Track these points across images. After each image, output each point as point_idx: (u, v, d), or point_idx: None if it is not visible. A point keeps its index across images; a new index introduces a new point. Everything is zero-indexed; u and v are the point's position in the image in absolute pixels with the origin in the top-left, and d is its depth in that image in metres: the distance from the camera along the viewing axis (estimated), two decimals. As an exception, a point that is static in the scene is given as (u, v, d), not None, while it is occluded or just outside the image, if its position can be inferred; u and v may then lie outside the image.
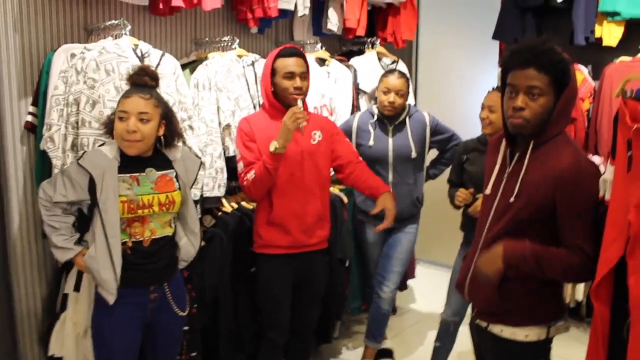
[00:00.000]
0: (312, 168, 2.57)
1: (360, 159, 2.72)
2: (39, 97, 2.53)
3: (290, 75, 2.46)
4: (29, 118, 2.57)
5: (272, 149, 2.36)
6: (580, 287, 3.60)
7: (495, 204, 1.83)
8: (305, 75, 2.49)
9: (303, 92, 2.48)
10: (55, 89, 2.41)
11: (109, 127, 2.11)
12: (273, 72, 2.49)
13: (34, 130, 2.58)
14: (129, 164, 2.07)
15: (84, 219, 2.14)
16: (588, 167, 1.70)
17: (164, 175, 2.13)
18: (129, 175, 2.05)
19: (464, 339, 2.95)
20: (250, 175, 2.45)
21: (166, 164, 2.16)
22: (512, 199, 1.75)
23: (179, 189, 2.15)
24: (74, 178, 2.03)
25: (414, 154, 3.04)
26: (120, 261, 2.02)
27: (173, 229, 2.19)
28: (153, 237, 2.11)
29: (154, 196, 2.08)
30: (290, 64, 2.46)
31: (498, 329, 1.82)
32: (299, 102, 2.39)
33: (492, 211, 1.84)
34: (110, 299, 2.04)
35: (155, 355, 2.26)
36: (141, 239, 2.08)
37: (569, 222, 1.69)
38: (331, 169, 2.70)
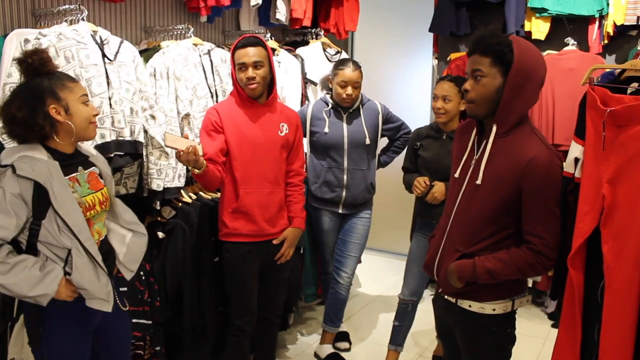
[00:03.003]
0: (278, 159, 2.61)
1: (302, 179, 2.78)
2: (-13, 86, 2.38)
3: (242, 67, 2.48)
4: (-24, 108, 2.41)
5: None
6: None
7: (463, 188, 1.92)
8: (259, 64, 2.49)
9: (257, 81, 2.48)
10: (9, 76, 2.27)
11: (37, 129, 1.79)
12: (234, 64, 2.53)
13: (-19, 121, 2.42)
14: (63, 165, 1.83)
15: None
16: (553, 157, 1.77)
17: (92, 172, 1.96)
18: (68, 177, 1.85)
19: (418, 317, 3.12)
20: None
21: (87, 162, 1.98)
22: (478, 181, 1.84)
23: (105, 185, 2.01)
24: (18, 194, 1.71)
25: (367, 141, 3.13)
26: (103, 262, 1.85)
27: (106, 227, 2.04)
28: (101, 238, 1.96)
29: (93, 196, 1.91)
30: (241, 55, 2.48)
31: (466, 304, 1.91)
32: (174, 143, 2.23)
33: (461, 194, 1.93)
34: (108, 307, 1.87)
35: (111, 358, 2.11)
36: None
37: (534, 210, 1.77)
38: None
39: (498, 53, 1.75)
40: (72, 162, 1.89)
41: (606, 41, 3.76)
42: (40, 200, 1.74)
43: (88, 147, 2.06)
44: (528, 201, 1.77)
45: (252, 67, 2.47)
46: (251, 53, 2.47)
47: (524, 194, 1.76)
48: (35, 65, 1.81)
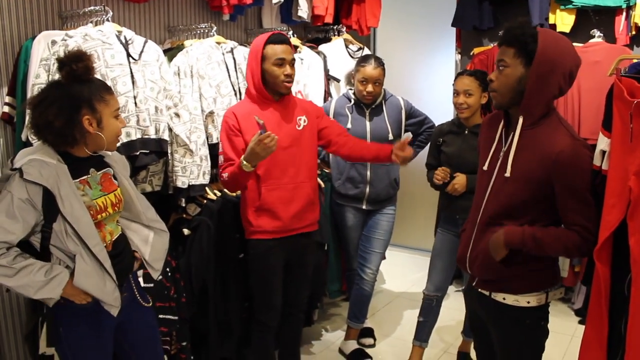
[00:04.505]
0: (299, 154, 2.60)
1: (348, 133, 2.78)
2: (17, 87, 2.44)
3: (281, 62, 2.47)
4: (6, 109, 2.48)
5: (243, 165, 2.34)
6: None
7: (493, 181, 1.92)
8: (294, 63, 2.51)
9: (292, 79, 2.50)
10: (37, 77, 2.32)
11: (70, 140, 1.80)
12: (263, 58, 2.48)
13: (11, 121, 2.49)
14: (73, 168, 1.83)
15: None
16: (582, 148, 1.79)
17: (105, 174, 1.95)
18: (78, 180, 1.84)
19: (442, 313, 3.11)
20: (226, 174, 2.46)
21: (101, 162, 1.96)
22: (507, 174, 1.85)
23: (119, 186, 2.00)
24: (26, 199, 1.71)
25: (390, 136, 3.12)
26: (112, 268, 1.84)
27: (120, 225, 2.03)
28: (113, 239, 1.94)
29: (105, 198, 1.90)
30: (280, 50, 2.46)
31: (500, 297, 1.92)
32: (264, 128, 2.25)
33: (490, 187, 1.93)
34: (115, 311, 1.87)
35: (140, 355, 2.11)
36: (104, 244, 1.88)
37: (569, 202, 1.78)
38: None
39: (521, 44, 1.77)
40: (84, 164, 1.88)
41: (634, 32, 3.68)
42: (50, 205, 1.73)
43: None
44: (563, 195, 1.78)
45: (289, 64, 2.48)
46: (288, 51, 2.48)
47: (557, 188, 1.78)
48: (79, 72, 1.79)
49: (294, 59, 2.51)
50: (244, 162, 2.33)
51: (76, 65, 1.78)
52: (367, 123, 3.11)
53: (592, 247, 1.78)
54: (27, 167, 1.72)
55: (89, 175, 1.88)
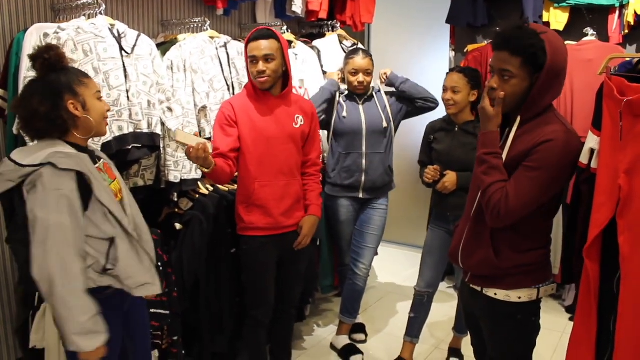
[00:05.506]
0: (293, 151, 2.61)
1: (318, 169, 2.78)
2: (8, 80, 2.43)
3: (253, 60, 2.47)
4: (-3, 101, 2.47)
5: (199, 168, 2.38)
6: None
7: None
8: (270, 57, 2.45)
9: (267, 74, 2.46)
10: (29, 70, 2.30)
11: (60, 123, 1.78)
12: (247, 57, 2.52)
13: (3, 114, 2.48)
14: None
15: None
16: (570, 139, 1.78)
17: (105, 163, 1.97)
18: (96, 167, 1.86)
19: (433, 309, 3.12)
20: None
21: (96, 155, 1.97)
22: None
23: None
24: (75, 189, 1.71)
25: (384, 124, 3.15)
26: (146, 244, 1.91)
27: None
28: None
29: (114, 184, 1.94)
30: (253, 48, 2.47)
31: (492, 292, 1.93)
32: (184, 139, 2.21)
33: None
34: (156, 289, 1.91)
35: (135, 347, 2.12)
36: None
37: (521, 173, 1.76)
38: None
39: (531, 56, 1.74)
40: (91, 154, 1.90)
41: (627, 31, 3.70)
42: (85, 191, 1.74)
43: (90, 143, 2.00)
44: (524, 167, 1.76)
45: (262, 60, 2.45)
46: (262, 46, 2.45)
47: (526, 161, 1.76)
48: (52, 61, 1.79)
49: (269, 54, 2.45)
50: (199, 167, 2.35)
51: (48, 55, 1.78)
52: (362, 112, 3.14)
53: (496, 220, 1.77)
54: (56, 159, 1.69)
55: (97, 164, 1.90)
